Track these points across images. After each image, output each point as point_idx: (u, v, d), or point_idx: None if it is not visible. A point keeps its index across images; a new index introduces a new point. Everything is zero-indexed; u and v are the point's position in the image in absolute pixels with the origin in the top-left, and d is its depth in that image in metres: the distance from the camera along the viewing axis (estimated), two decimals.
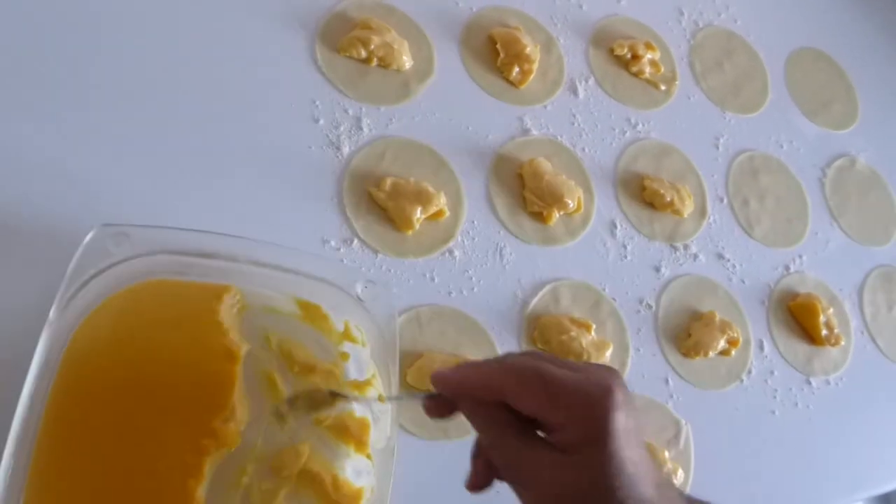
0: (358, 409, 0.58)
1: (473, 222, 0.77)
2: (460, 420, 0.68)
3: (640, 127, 0.91)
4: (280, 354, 0.58)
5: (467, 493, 0.65)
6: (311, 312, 0.59)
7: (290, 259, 0.58)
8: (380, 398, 0.55)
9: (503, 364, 0.46)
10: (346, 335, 0.59)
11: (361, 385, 0.58)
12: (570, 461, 0.43)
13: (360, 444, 0.57)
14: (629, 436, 0.43)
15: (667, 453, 0.75)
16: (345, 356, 0.59)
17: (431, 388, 0.66)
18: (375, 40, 0.77)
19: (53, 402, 0.49)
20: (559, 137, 0.85)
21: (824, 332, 0.90)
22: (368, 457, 0.57)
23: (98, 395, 0.51)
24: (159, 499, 0.50)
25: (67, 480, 0.49)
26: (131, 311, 0.54)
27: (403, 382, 0.67)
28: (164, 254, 0.55)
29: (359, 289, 0.59)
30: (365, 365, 0.59)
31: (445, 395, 0.47)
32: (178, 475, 0.51)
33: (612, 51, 0.94)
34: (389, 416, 0.58)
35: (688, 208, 0.88)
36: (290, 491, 0.54)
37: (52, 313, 0.50)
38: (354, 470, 0.56)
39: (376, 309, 0.59)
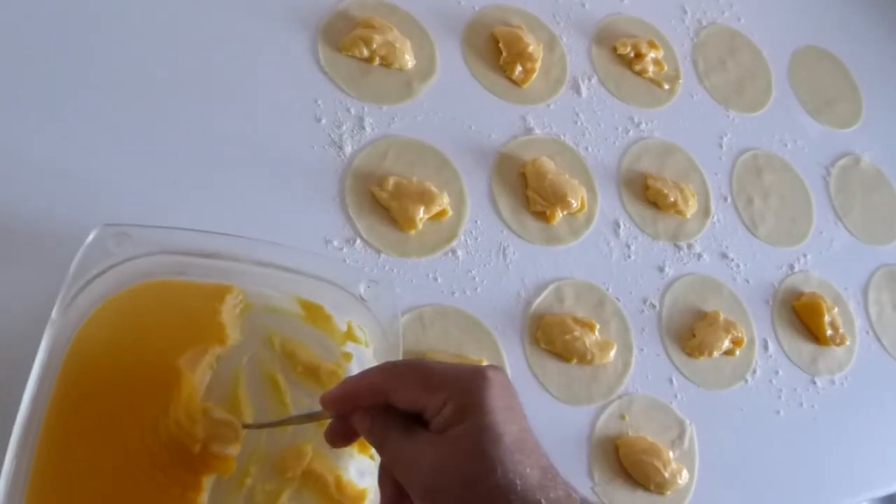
0: None
1: (476, 222, 0.77)
2: None
3: (643, 126, 0.91)
4: (283, 355, 0.58)
5: None
6: (313, 313, 0.59)
7: (293, 259, 0.58)
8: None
9: (385, 365, 0.48)
10: (349, 335, 0.59)
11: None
12: (448, 437, 0.43)
13: (363, 445, 0.57)
14: (506, 413, 0.43)
15: (671, 453, 0.75)
16: (348, 356, 0.59)
17: None
18: (378, 39, 0.77)
19: (55, 404, 0.49)
20: (562, 136, 0.85)
21: (829, 331, 0.89)
22: (371, 457, 0.57)
23: (100, 397, 0.51)
24: (162, 500, 0.50)
25: (70, 482, 0.49)
26: (133, 311, 0.54)
27: None
28: (166, 254, 0.55)
29: (361, 289, 0.59)
30: (368, 365, 0.59)
31: (335, 411, 0.49)
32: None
33: (615, 49, 0.93)
34: None
35: (691, 208, 0.88)
36: (293, 492, 0.54)
37: (53, 314, 0.50)
38: (358, 471, 0.56)
39: (379, 309, 0.59)
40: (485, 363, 0.69)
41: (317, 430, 0.56)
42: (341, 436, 0.50)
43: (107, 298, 0.53)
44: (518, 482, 0.41)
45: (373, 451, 0.56)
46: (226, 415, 0.52)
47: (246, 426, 0.53)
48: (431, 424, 0.44)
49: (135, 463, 0.50)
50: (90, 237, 0.52)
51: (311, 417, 0.52)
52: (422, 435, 0.44)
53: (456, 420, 0.43)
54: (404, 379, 0.46)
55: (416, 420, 0.45)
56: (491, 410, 0.43)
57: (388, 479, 0.47)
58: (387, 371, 0.47)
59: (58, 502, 0.48)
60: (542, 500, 0.41)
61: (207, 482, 0.51)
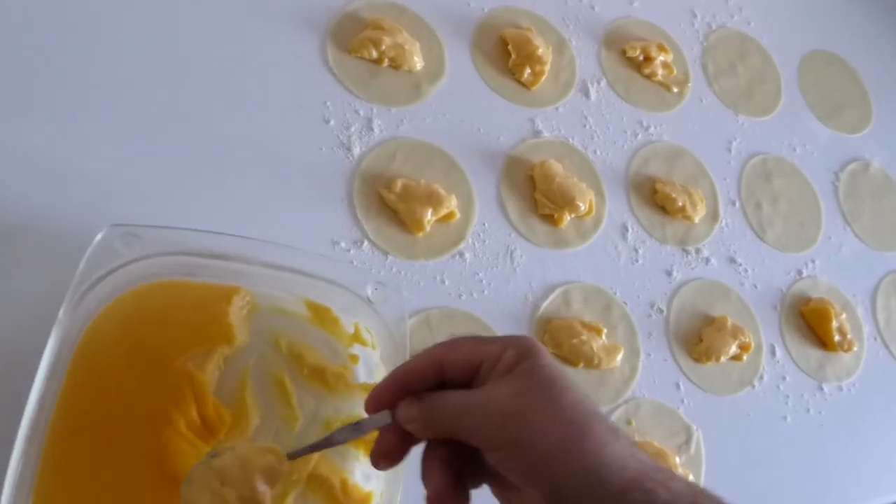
0: None
1: (484, 224, 0.77)
2: None
3: (651, 129, 0.91)
4: (290, 357, 0.57)
5: (475, 499, 0.64)
6: (321, 314, 0.59)
7: (301, 261, 0.58)
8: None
9: (428, 348, 0.47)
10: (357, 338, 0.59)
11: (372, 388, 0.58)
12: (517, 373, 0.43)
13: (370, 447, 0.56)
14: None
15: (677, 459, 0.74)
16: (355, 359, 0.59)
17: None
18: (387, 41, 0.77)
19: (62, 403, 0.49)
20: (571, 139, 0.85)
21: (837, 337, 0.89)
22: None
23: (108, 396, 0.51)
24: (168, 501, 0.50)
25: (76, 481, 0.48)
26: (141, 312, 0.54)
27: None
28: (173, 255, 0.55)
29: (369, 291, 0.59)
30: (375, 368, 0.59)
31: (382, 406, 0.46)
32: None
33: (624, 52, 0.93)
34: None
35: (699, 212, 0.87)
36: (299, 494, 0.54)
37: (61, 313, 0.49)
38: (363, 474, 0.56)
39: (386, 311, 0.59)
40: None
41: (323, 434, 0.56)
42: (389, 453, 0.46)
43: (114, 298, 0.53)
44: (591, 407, 0.42)
45: None
46: (270, 444, 0.51)
47: (290, 455, 0.49)
48: (495, 370, 0.44)
49: (142, 463, 0.50)
50: (98, 237, 0.52)
51: (354, 432, 0.47)
52: (485, 385, 0.44)
53: (520, 360, 0.43)
54: (458, 344, 0.45)
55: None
56: (548, 355, 0.44)
57: (435, 464, 0.45)
58: (438, 344, 0.46)
59: (64, 502, 0.48)
60: (619, 428, 0.42)
61: None
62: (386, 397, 0.46)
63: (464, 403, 0.43)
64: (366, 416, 0.47)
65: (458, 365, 0.45)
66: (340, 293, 0.59)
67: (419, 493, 0.61)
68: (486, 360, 0.44)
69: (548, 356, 0.44)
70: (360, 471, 0.56)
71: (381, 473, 0.56)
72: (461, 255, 0.74)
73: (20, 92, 0.63)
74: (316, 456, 0.55)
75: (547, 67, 0.85)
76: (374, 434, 0.47)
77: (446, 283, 0.72)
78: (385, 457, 0.46)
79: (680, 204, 0.86)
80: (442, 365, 0.45)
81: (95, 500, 0.49)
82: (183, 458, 0.50)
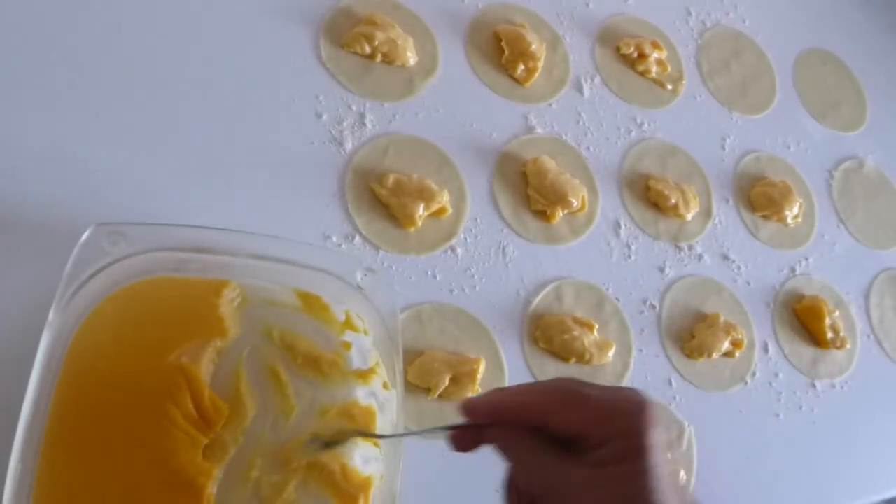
0: (363, 398, 0.58)
1: (476, 220, 0.77)
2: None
3: (645, 126, 0.91)
4: (282, 347, 0.57)
5: (474, 479, 0.64)
6: (311, 303, 0.59)
7: (289, 250, 0.58)
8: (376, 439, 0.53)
9: (540, 385, 0.46)
10: (348, 324, 0.59)
11: (366, 374, 0.58)
12: (607, 475, 0.42)
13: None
14: (664, 452, 0.43)
15: (669, 455, 0.74)
16: (347, 345, 0.59)
17: (431, 390, 0.66)
18: (380, 36, 0.77)
19: (58, 404, 0.49)
20: (564, 136, 0.85)
21: (830, 335, 0.89)
22: (375, 444, 0.56)
23: (103, 395, 0.51)
24: (170, 496, 0.50)
25: (76, 482, 0.48)
26: (131, 309, 0.54)
27: (405, 379, 0.67)
28: (161, 251, 0.55)
29: (358, 277, 0.59)
30: (368, 353, 0.59)
31: (476, 422, 0.46)
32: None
33: (618, 49, 0.93)
34: (395, 403, 0.57)
35: (693, 209, 0.87)
36: (299, 482, 0.54)
37: (51, 315, 0.49)
38: (362, 458, 0.56)
39: (377, 297, 0.59)
40: (482, 364, 0.69)
41: (319, 421, 0.56)
42: (467, 444, 0.46)
43: (103, 298, 0.53)
44: None
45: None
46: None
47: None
48: (590, 456, 0.43)
49: (141, 457, 0.50)
50: (84, 236, 0.52)
51: (438, 431, 0.48)
52: (576, 466, 0.43)
53: (620, 458, 0.42)
54: (570, 405, 0.43)
55: (562, 444, 0.44)
56: (653, 452, 0.42)
57: (514, 492, 0.46)
58: (550, 393, 0.44)
59: (65, 501, 0.48)
60: None
61: (216, 475, 0.51)
62: (482, 417, 0.45)
63: (547, 484, 0.43)
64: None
65: (561, 429, 0.44)
66: (330, 281, 0.59)
67: (418, 476, 0.61)
68: (587, 439, 0.43)
69: (651, 457, 0.42)
70: (359, 455, 0.56)
71: (381, 457, 0.56)
72: (453, 250, 0.74)
73: (10, 87, 0.62)
74: None
75: (540, 64, 0.85)
76: None
77: (438, 278, 0.72)
78: (466, 446, 0.46)
79: (673, 201, 0.86)
80: (546, 422, 0.44)
81: (95, 497, 0.49)
82: (181, 450, 0.50)
